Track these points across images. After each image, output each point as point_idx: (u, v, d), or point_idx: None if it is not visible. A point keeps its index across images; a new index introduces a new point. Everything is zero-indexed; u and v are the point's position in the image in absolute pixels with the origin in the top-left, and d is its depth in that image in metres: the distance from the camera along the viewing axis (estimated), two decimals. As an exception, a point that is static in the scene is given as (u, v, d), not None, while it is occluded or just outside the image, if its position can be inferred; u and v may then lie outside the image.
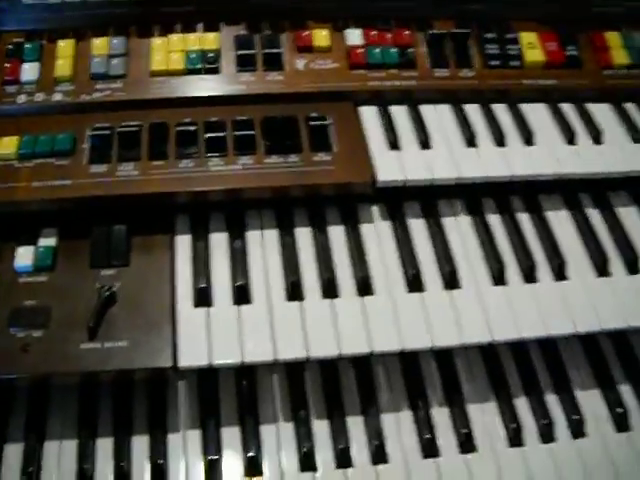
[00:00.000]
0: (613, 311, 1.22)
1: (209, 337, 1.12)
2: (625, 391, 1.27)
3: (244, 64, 1.40)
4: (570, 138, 1.41)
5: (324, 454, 1.14)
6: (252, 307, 1.18)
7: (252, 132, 1.31)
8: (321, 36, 1.44)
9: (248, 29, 1.46)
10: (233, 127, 1.31)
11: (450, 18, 1.52)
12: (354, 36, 1.45)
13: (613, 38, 1.53)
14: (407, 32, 1.47)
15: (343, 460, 1.13)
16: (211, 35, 1.43)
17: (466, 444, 1.17)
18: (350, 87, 1.40)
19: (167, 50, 1.40)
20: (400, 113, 1.42)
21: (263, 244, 1.28)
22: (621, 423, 1.22)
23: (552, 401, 1.24)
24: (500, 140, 1.39)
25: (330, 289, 1.21)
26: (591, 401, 1.25)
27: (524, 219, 1.37)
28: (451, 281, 1.25)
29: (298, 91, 1.38)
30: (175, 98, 1.36)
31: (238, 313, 1.16)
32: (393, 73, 1.43)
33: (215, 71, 1.40)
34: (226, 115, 1.34)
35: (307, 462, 1.13)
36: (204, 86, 1.38)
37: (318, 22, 1.47)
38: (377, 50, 1.43)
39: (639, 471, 1.17)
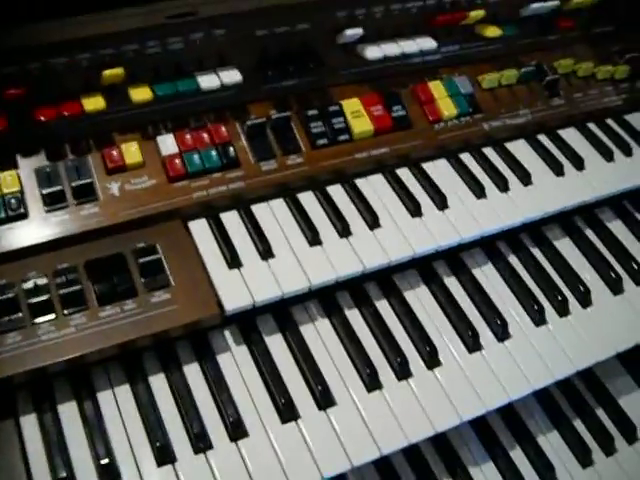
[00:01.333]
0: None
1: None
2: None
3: (52, 202, 1.42)
4: (416, 209, 1.55)
5: None
6: (122, 487, 1.24)
7: (79, 284, 1.35)
8: (131, 151, 1.49)
9: (49, 158, 1.48)
10: (56, 281, 1.35)
11: (268, 99, 1.62)
12: (167, 144, 1.51)
13: (437, 88, 1.68)
14: (223, 127, 1.55)
15: None
16: (8, 174, 1.43)
17: None
18: (174, 204, 1.47)
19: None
20: (233, 221, 1.51)
21: (118, 404, 1.34)
22: None
23: None
24: (344, 230, 1.51)
25: (201, 442, 1.30)
26: None
27: (383, 307, 1.52)
28: (325, 400, 1.37)
29: (118, 221, 1.43)
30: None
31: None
32: (217, 178, 1.51)
33: (22, 217, 1.41)
34: (45, 267, 1.36)
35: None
36: (12, 237, 1.38)
37: (125, 133, 1.52)
38: (195, 156, 1.51)
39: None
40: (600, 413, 1.62)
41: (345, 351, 1.44)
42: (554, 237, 1.72)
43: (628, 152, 1.84)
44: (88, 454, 1.27)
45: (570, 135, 1.85)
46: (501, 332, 1.51)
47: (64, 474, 1.23)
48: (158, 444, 1.28)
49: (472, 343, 1.48)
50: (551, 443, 1.55)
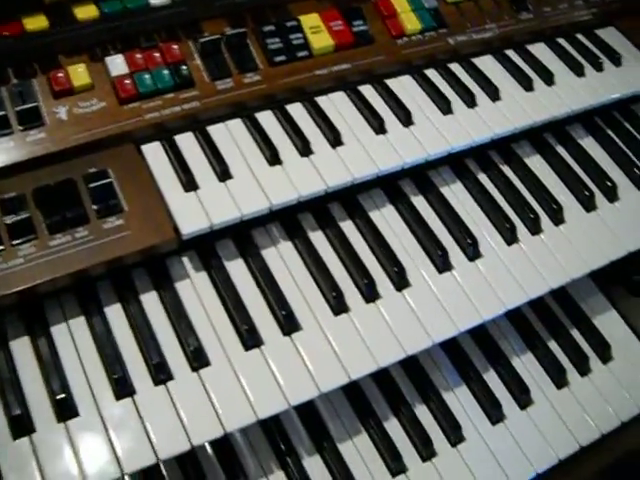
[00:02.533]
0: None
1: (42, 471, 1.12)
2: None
3: (-4, 128, 1.34)
4: (379, 125, 1.48)
5: None
6: (80, 420, 1.18)
7: (27, 212, 1.27)
8: (79, 73, 1.40)
9: (-8, 82, 1.39)
10: (2, 211, 1.27)
11: (221, 16, 1.53)
12: (117, 64, 1.42)
13: (399, 2, 1.59)
14: (176, 46, 1.46)
15: None
16: (-53, 100, 1.36)
17: None
18: (125, 127, 1.38)
19: None
20: (189, 142, 1.43)
21: (73, 337, 1.27)
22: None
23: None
24: (305, 148, 1.44)
25: (161, 373, 1.23)
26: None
27: (348, 228, 1.46)
28: (289, 325, 1.30)
29: (67, 146, 1.35)
30: None
31: (67, 431, 1.16)
32: (170, 98, 1.43)
33: (-36, 144, 1.33)
34: (-10, 197, 1.29)
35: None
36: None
37: (71, 55, 1.43)
38: (146, 76, 1.42)
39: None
40: (574, 333, 1.57)
41: (309, 274, 1.38)
42: (524, 154, 1.66)
43: (599, 67, 1.77)
44: (43, 390, 1.20)
45: (539, 50, 1.78)
46: (472, 251, 1.45)
47: (18, 411, 1.16)
48: (116, 376, 1.21)
49: (442, 263, 1.42)
50: (525, 365, 1.51)
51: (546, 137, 1.70)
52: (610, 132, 1.76)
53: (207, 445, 1.30)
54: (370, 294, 1.35)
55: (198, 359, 1.25)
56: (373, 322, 1.33)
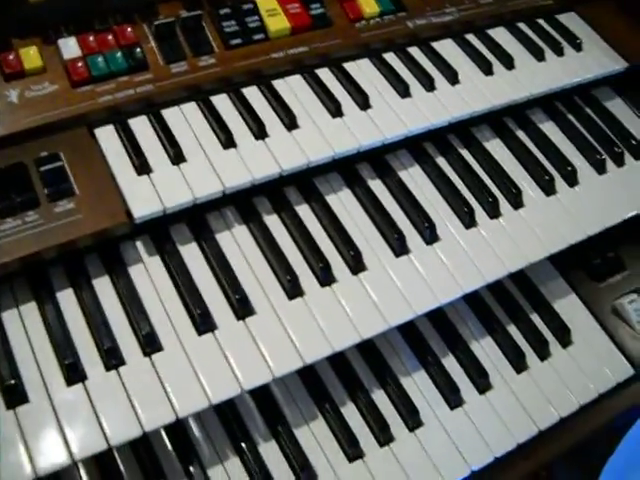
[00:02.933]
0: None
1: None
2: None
3: (-56, 113, 1.31)
4: (336, 109, 1.47)
5: None
6: (30, 406, 1.15)
7: (-24, 196, 1.25)
8: (30, 55, 1.37)
9: (-61, 66, 1.36)
10: (-49, 196, 1.25)
11: (177, -1, 1.50)
12: (69, 47, 1.40)
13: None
14: (130, 28, 1.44)
15: None
16: None
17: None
18: (78, 110, 1.36)
19: None
20: (143, 126, 1.41)
21: (23, 322, 1.24)
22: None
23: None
24: (260, 131, 1.42)
25: (113, 358, 1.21)
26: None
27: (304, 212, 1.44)
28: (243, 309, 1.29)
29: (18, 130, 1.32)
30: None
31: (15, 418, 1.14)
32: (124, 81, 1.40)
33: None
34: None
35: None
36: None
37: (23, 37, 1.40)
38: (99, 59, 1.40)
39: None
40: (534, 318, 1.56)
41: (264, 258, 1.37)
42: (484, 138, 1.65)
43: (559, 52, 1.77)
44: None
45: (499, 34, 1.77)
46: (429, 235, 1.44)
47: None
48: (67, 362, 1.19)
49: (398, 246, 1.41)
50: (484, 349, 1.50)
51: (506, 121, 1.69)
52: (571, 117, 1.75)
53: (162, 432, 1.29)
54: (325, 278, 1.34)
55: (150, 344, 1.23)
56: (328, 306, 1.31)
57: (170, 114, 1.43)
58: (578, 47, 1.78)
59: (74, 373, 1.19)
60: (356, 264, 1.36)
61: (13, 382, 1.16)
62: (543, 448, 1.45)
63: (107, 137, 1.38)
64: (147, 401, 1.17)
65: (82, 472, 1.25)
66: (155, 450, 1.28)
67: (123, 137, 1.38)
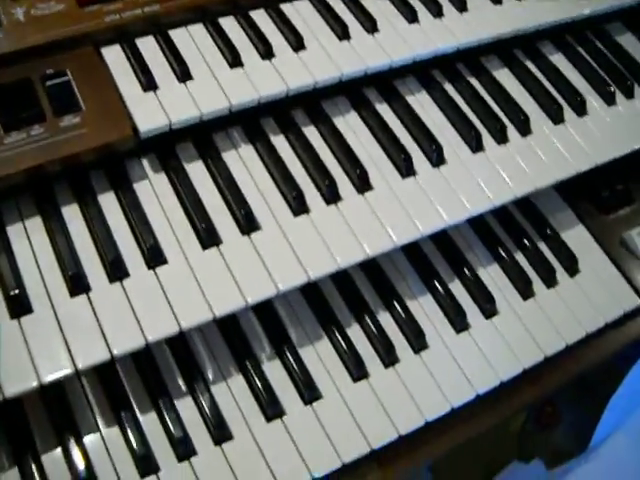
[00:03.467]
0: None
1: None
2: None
3: (-50, 28, 1.30)
4: (343, 31, 1.48)
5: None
6: (34, 316, 1.15)
7: (-19, 110, 1.24)
8: (36, -27, 1.36)
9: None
10: (-44, 109, 1.24)
11: None
12: (75, -35, 1.39)
13: None
14: (133, -53, 1.42)
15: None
16: None
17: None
18: (85, 29, 1.35)
19: None
20: (150, 45, 1.40)
21: (28, 236, 1.24)
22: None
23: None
24: (267, 52, 1.41)
25: (117, 270, 1.21)
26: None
27: (312, 134, 1.43)
28: (248, 224, 1.28)
29: (24, 47, 1.31)
30: None
31: (20, 328, 1.14)
32: (131, 1, 1.39)
33: None
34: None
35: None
36: None
37: (28, -45, 1.39)
38: (105, -22, 1.38)
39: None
40: (542, 246, 1.54)
41: (270, 176, 1.36)
42: (492, 68, 1.62)
43: (569, -15, 1.73)
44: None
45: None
46: (436, 157, 1.42)
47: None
48: (70, 273, 1.18)
49: (405, 167, 1.39)
50: (491, 276, 1.48)
51: (516, 53, 1.67)
52: (581, 50, 1.73)
53: (167, 349, 1.28)
54: (331, 195, 1.33)
55: (155, 257, 1.23)
56: (334, 223, 1.31)
57: (177, 34, 1.42)
58: (588, -20, 1.75)
59: (78, 284, 1.18)
60: (362, 183, 1.35)
61: (17, 292, 1.16)
62: (549, 375, 1.44)
63: (113, 55, 1.37)
64: (150, 312, 1.17)
65: (86, 387, 1.24)
66: (159, 367, 1.27)
67: (129, 55, 1.37)
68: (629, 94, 1.66)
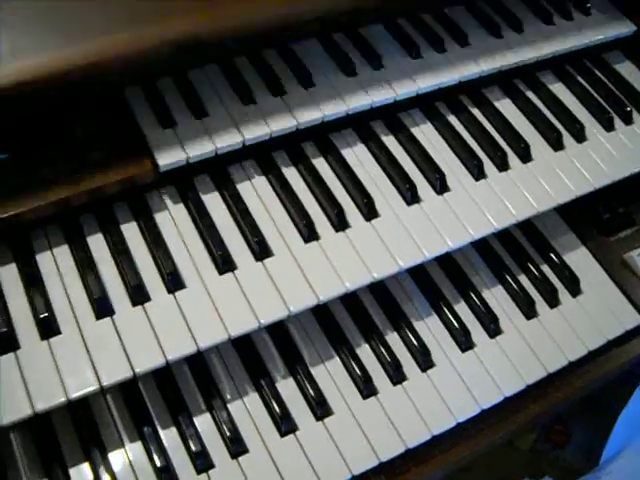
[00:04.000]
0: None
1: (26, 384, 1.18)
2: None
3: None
4: (351, 68, 1.54)
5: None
6: (62, 337, 1.24)
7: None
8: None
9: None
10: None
11: None
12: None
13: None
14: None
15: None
16: None
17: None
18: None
19: None
20: (168, 87, 1.49)
21: (56, 262, 1.32)
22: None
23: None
24: (277, 89, 1.50)
25: (139, 295, 1.29)
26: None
27: (321, 165, 1.51)
28: (261, 251, 1.36)
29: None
30: None
31: (49, 348, 1.22)
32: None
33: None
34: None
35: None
36: None
37: None
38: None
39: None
40: (544, 268, 1.60)
41: (282, 206, 1.43)
42: (494, 98, 1.70)
43: (568, 16, 1.81)
44: (29, 311, 1.26)
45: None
46: (439, 185, 1.49)
47: (4, 329, 1.22)
48: (96, 297, 1.27)
49: (410, 195, 1.46)
50: (495, 296, 1.55)
51: (516, 83, 1.74)
52: (580, 78, 1.79)
53: (186, 368, 1.36)
54: (340, 223, 1.40)
55: (174, 282, 1.31)
56: (342, 248, 1.38)
57: (193, 74, 1.50)
58: (586, 12, 1.82)
59: (103, 308, 1.27)
60: (369, 211, 1.43)
61: (47, 315, 1.25)
62: (554, 391, 1.48)
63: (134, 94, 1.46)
64: (170, 333, 1.25)
65: (111, 404, 1.31)
66: (179, 385, 1.34)
67: (149, 95, 1.45)
68: (628, 120, 1.73)
